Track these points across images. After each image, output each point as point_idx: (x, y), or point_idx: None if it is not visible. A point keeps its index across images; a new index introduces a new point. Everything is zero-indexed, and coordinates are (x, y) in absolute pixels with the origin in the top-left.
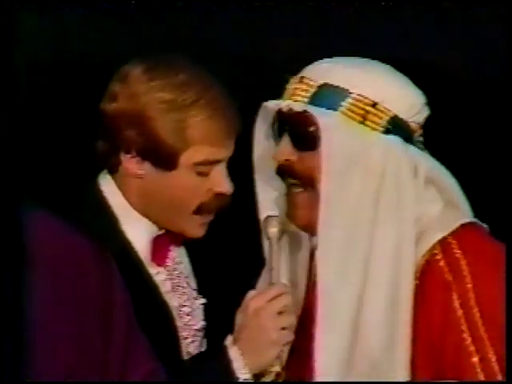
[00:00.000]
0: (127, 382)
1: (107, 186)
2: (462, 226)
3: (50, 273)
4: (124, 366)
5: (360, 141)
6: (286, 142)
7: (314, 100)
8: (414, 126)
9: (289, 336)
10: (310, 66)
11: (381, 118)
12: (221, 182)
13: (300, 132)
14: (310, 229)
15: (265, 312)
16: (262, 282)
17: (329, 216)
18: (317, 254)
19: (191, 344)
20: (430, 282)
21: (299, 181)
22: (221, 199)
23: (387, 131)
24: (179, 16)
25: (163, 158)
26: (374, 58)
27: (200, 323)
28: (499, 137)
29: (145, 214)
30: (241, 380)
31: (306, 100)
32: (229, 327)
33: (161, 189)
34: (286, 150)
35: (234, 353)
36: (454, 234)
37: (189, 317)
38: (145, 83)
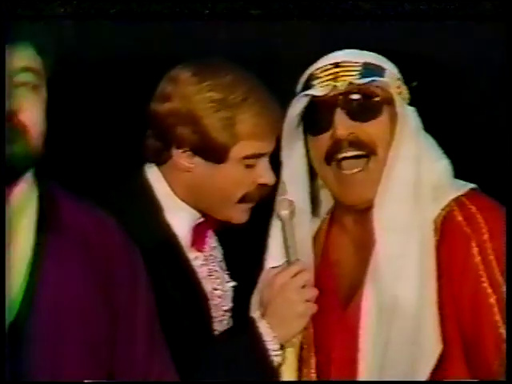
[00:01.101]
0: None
1: (153, 175)
2: (471, 189)
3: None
4: (148, 365)
5: (409, 111)
6: (341, 118)
7: (365, 74)
8: None
9: (313, 308)
10: (339, 54)
11: (406, 92)
12: (265, 173)
13: (362, 103)
14: (361, 203)
15: (290, 287)
16: (272, 259)
17: (394, 180)
18: (377, 225)
19: (219, 323)
20: (449, 236)
21: (365, 150)
22: (263, 189)
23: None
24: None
25: (214, 152)
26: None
27: (229, 305)
28: (498, 130)
29: (189, 203)
30: (271, 351)
31: (358, 76)
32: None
33: (209, 180)
34: (347, 124)
35: (262, 326)
36: (466, 195)
37: (220, 299)
38: (196, 84)
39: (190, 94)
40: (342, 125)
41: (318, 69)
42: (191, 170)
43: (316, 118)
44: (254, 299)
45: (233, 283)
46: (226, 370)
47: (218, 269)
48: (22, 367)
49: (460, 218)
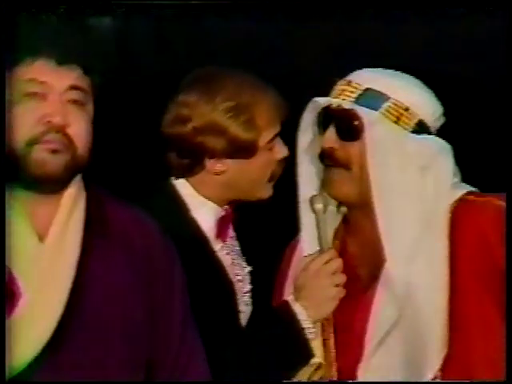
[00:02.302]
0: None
1: (179, 183)
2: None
3: (123, 247)
4: (180, 351)
5: (394, 135)
6: (331, 132)
7: (360, 101)
8: (432, 129)
9: (342, 292)
10: (357, 72)
11: (410, 121)
12: (282, 149)
13: (345, 125)
14: (346, 199)
15: (322, 272)
16: (306, 247)
17: (379, 187)
18: (378, 216)
19: (241, 304)
20: (463, 212)
21: (337, 164)
22: (281, 164)
23: (414, 131)
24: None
25: (246, 150)
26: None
27: (247, 287)
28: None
29: (215, 200)
30: (306, 330)
31: (352, 100)
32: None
33: (244, 174)
34: (331, 138)
35: (297, 308)
36: (472, 192)
37: (240, 283)
38: (208, 103)
39: (208, 112)
40: (329, 137)
41: (340, 80)
42: (225, 171)
43: (324, 122)
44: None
45: (249, 268)
46: (267, 346)
47: (237, 256)
48: (69, 357)
49: (480, 199)
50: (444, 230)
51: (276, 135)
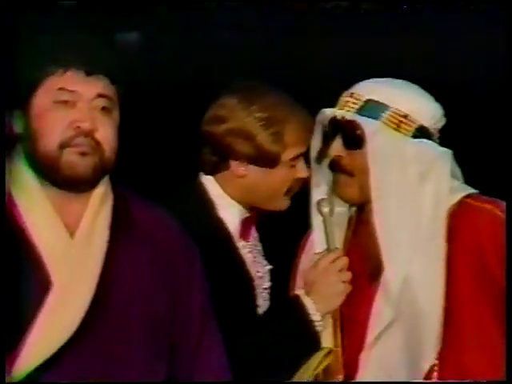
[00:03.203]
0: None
1: (208, 181)
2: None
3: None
4: (199, 339)
5: (395, 142)
6: (338, 141)
7: (362, 111)
8: (433, 131)
9: (348, 287)
10: (359, 84)
11: (410, 127)
12: (303, 170)
13: (349, 135)
14: (353, 202)
15: (330, 270)
16: (317, 246)
17: (378, 191)
18: (375, 218)
19: (261, 299)
20: (468, 217)
21: (342, 171)
22: (301, 182)
23: (415, 136)
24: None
25: (268, 160)
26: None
27: (267, 283)
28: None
29: (239, 202)
30: (315, 322)
31: (355, 111)
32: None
33: (263, 182)
34: (338, 147)
35: (307, 302)
36: (471, 195)
37: (261, 279)
38: (245, 109)
39: (242, 116)
40: (335, 147)
41: (344, 92)
42: (246, 175)
43: (332, 132)
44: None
45: (269, 266)
46: (280, 336)
47: (258, 255)
48: (94, 346)
49: (470, 201)
50: (442, 233)
51: (300, 155)
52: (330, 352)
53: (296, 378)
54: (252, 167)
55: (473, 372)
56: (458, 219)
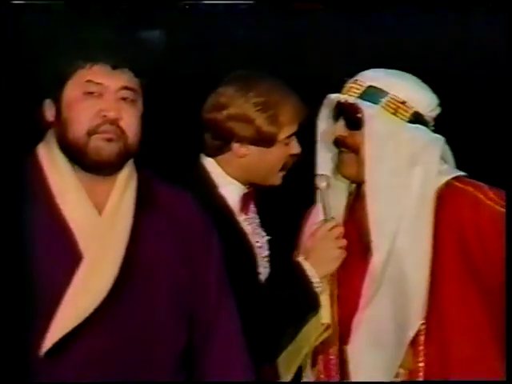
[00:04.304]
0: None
1: (209, 163)
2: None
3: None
4: (217, 306)
5: (391, 125)
6: (341, 123)
7: (363, 96)
8: (428, 118)
9: (344, 253)
10: (363, 72)
11: (407, 112)
12: (295, 146)
13: (351, 117)
14: (353, 179)
15: (328, 237)
16: (315, 217)
17: (372, 167)
18: (367, 192)
19: (261, 267)
20: (453, 198)
21: (348, 149)
22: (294, 158)
23: (410, 122)
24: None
25: (266, 141)
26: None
27: (266, 252)
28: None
29: (239, 180)
30: (314, 284)
31: (357, 95)
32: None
33: (262, 160)
34: (341, 128)
35: (307, 266)
36: (458, 177)
37: (260, 249)
38: (243, 96)
39: (241, 103)
40: (339, 127)
41: (349, 79)
42: (247, 155)
43: (338, 115)
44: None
45: (267, 237)
46: (283, 297)
47: (257, 227)
48: (122, 313)
49: (460, 186)
50: (428, 211)
51: (293, 134)
52: (328, 327)
53: (294, 349)
54: (252, 147)
55: (456, 340)
56: (444, 200)
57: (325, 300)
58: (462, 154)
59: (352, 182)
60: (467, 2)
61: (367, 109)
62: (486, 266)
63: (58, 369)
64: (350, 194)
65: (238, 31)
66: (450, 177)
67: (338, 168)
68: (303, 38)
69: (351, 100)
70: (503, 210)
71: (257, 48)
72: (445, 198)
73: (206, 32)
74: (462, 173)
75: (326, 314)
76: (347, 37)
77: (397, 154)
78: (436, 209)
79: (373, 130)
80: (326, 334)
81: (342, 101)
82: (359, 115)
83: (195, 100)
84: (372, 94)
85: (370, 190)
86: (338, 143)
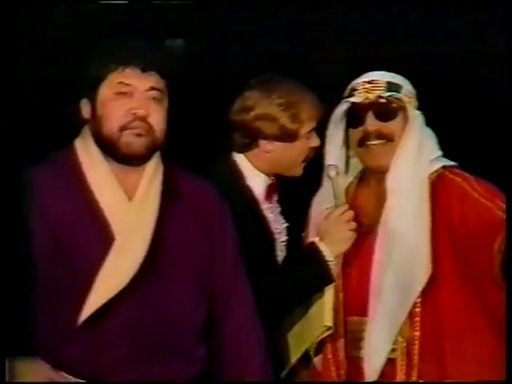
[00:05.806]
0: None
1: (238, 157)
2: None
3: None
4: (229, 295)
5: (417, 112)
6: (371, 118)
7: (389, 90)
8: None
9: (354, 234)
10: (367, 74)
11: (415, 103)
12: (315, 140)
13: (384, 110)
14: (385, 169)
15: (340, 220)
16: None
17: (402, 152)
18: (388, 184)
19: (278, 250)
20: (443, 186)
21: (384, 139)
22: (314, 150)
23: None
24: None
25: (290, 137)
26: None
27: (284, 238)
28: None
29: (264, 172)
30: (329, 263)
31: (384, 90)
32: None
33: (286, 154)
34: (374, 122)
35: (322, 246)
36: (448, 167)
37: (279, 234)
38: (267, 98)
39: (265, 104)
40: (371, 123)
41: (357, 83)
42: (273, 150)
43: (354, 117)
44: (311, 229)
45: (286, 224)
46: (300, 275)
47: (278, 215)
48: (150, 291)
49: (448, 174)
50: (426, 195)
51: (313, 129)
52: (329, 329)
53: (298, 341)
54: (277, 143)
55: (448, 311)
56: (435, 187)
57: (329, 303)
58: (461, 154)
59: (379, 172)
60: (467, 2)
61: (404, 97)
62: (471, 257)
63: (92, 338)
64: (349, 184)
65: (256, 39)
66: (440, 165)
67: (369, 160)
68: (313, 39)
69: (384, 94)
70: (488, 203)
71: (275, 54)
72: (436, 186)
73: (224, 40)
74: (452, 162)
75: (328, 316)
76: (347, 37)
77: (414, 139)
78: (430, 196)
79: (413, 116)
80: (327, 334)
81: (370, 99)
82: (394, 105)
83: (214, 99)
84: (394, 88)
85: (393, 170)
86: (372, 137)
